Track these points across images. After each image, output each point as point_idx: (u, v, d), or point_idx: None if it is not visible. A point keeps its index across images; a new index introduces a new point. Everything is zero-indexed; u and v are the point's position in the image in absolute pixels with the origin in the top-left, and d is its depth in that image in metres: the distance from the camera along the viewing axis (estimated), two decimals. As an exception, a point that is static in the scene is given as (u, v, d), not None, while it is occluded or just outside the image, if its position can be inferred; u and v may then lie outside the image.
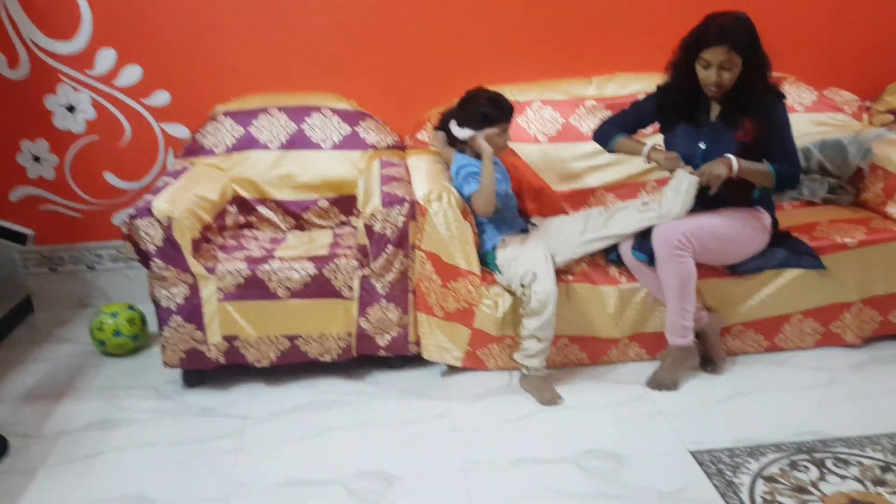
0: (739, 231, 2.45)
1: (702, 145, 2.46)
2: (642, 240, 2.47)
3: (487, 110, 2.56)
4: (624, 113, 2.65)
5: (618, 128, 2.62)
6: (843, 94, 3.17)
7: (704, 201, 2.41)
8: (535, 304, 2.39)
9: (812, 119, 3.08)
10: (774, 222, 2.54)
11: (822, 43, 3.26)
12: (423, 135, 3.06)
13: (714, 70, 2.33)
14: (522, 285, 2.43)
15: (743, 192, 2.46)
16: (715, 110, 2.46)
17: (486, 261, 2.57)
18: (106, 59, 3.03)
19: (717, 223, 2.42)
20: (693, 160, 2.46)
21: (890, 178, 2.76)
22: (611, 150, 2.63)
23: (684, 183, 2.37)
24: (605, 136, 2.64)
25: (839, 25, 3.25)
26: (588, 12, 3.15)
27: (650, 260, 2.44)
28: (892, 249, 2.60)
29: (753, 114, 2.38)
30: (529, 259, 2.46)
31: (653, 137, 2.72)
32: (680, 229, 2.36)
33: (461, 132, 2.58)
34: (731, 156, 2.35)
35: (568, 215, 2.76)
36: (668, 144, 2.57)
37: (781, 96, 2.41)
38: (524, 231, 2.66)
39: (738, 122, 2.41)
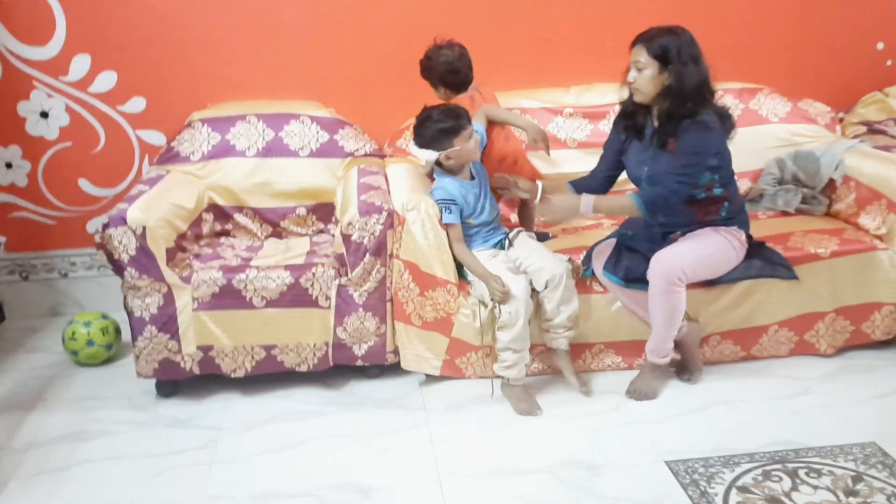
0: (723, 253, 2.45)
1: (645, 168, 2.46)
2: (616, 262, 2.48)
3: (444, 125, 2.43)
4: (600, 157, 2.64)
5: (591, 178, 2.61)
6: (816, 106, 3.21)
7: (672, 228, 2.46)
8: (506, 317, 2.39)
9: (786, 130, 3.12)
10: (749, 237, 2.54)
11: (797, 55, 3.30)
12: (403, 143, 3.05)
13: (632, 70, 2.36)
14: (493, 300, 2.42)
15: (706, 214, 2.45)
16: (650, 128, 2.45)
17: (462, 272, 2.57)
18: (80, 65, 3.00)
19: (706, 252, 2.41)
20: (640, 183, 2.49)
21: (861, 189, 2.80)
22: None
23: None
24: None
25: (814, 38, 3.30)
26: (567, 22, 3.17)
27: (624, 282, 2.46)
28: (863, 260, 2.63)
29: (673, 134, 2.34)
30: (497, 274, 2.44)
31: None
32: (679, 266, 2.35)
33: (428, 154, 2.48)
34: (586, 200, 2.37)
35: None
36: (626, 166, 2.56)
37: (704, 126, 2.30)
38: (499, 246, 2.59)
39: (666, 143, 2.37)
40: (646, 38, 2.33)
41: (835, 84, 3.32)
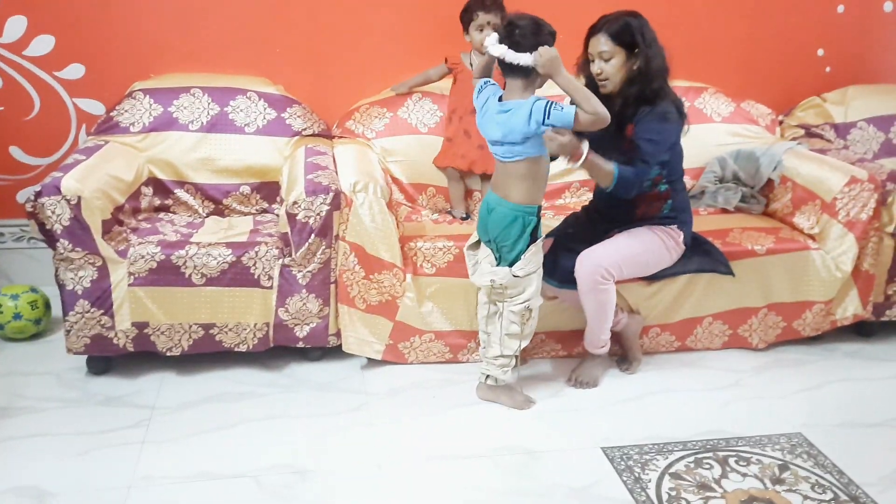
0: (655, 252, 2.46)
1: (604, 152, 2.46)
2: (553, 263, 2.43)
3: (552, 32, 2.15)
4: None
5: None
6: (758, 108, 3.30)
7: (612, 223, 2.47)
8: (529, 330, 2.34)
9: (728, 130, 3.20)
10: (692, 235, 2.56)
11: (742, 58, 3.38)
12: (352, 124, 3.02)
13: (596, 61, 2.32)
14: (529, 308, 2.31)
15: (648, 208, 2.46)
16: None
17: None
18: (16, 26, 2.86)
19: (635, 250, 2.43)
20: None
21: (798, 189, 2.89)
22: None
23: None
24: None
25: (759, 43, 3.38)
26: (523, 9, 3.16)
27: (558, 284, 2.47)
28: (797, 259, 2.71)
29: (630, 121, 2.31)
30: (538, 282, 2.32)
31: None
32: (602, 264, 2.36)
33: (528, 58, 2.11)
34: (585, 148, 2.20)
35: None
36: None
37: (662, 116, 2.30)
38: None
39: (625, 127, 2.34)
40: (604, 27, 2.29)
41: (776, 87, 3.42)
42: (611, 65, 2.30)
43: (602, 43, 2.30)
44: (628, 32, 2.28)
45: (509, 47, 2.12)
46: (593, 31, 2.33)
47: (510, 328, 2.32)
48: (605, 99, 2.33)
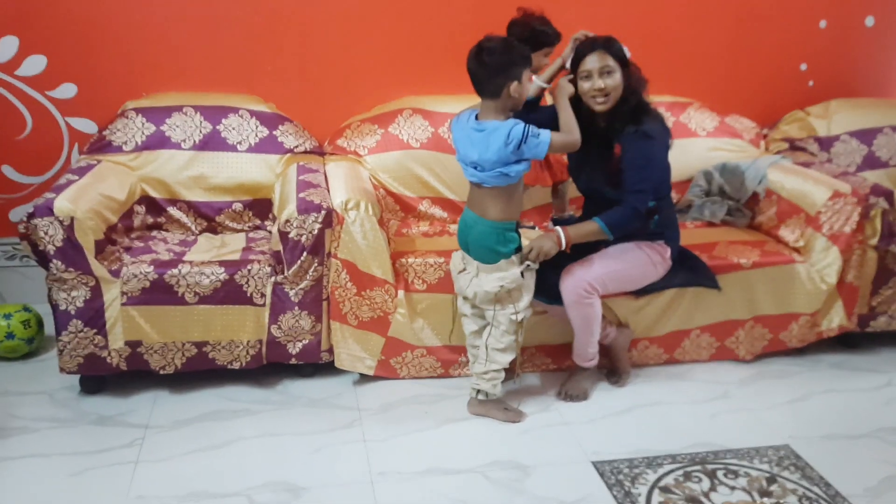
0: (640, 268, 2.49)
1: (586, 171, 2.51)
2: (542, 283, 2.44)
3: (523, 53, 2.22)
4: None
5: None
6: (743, 122, 3.35)
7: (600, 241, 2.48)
8: (517, 342, 2.37)
9: (713, 144, 3.24)
10: (679, 248, 2.60)
11: (726, 73, 3.44)
12: (343, 141, 3.04)
13: (596, 77, 2.35)
14: (521, 321, 2.34)
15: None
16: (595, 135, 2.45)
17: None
18: (8, 47, 2.88)
19: (620, 265, 2.46)
20: (580, 181, 2.58)
21: (782, 203, 2.94)
22: None
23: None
24: None
25: (743, 57, 3.43)
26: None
27: (547, 300, 2.50)
28: (782, 272, 2.76)
29: (617, 140, 2.37)
30: (531, 294, 2.36)
31: None
32: (585, 279, 2.39)
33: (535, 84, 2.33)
34: (559, 229, 2.33)
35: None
36: (572, 172, 2.62)
37: (646, 135, 2.35)
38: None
39: (612, 144, 2.39)
40: (604, 45, 2.35)
41: (760, 101, 3.47)
42: (613, 79, 2.35)
43: (606, 59, 2.34)
44: (622, 50, 2.37)
45: (478, 68, 2.18)
46: (591, 48, 2.36)
47: (502, 338, 2.35)
48: (592, 117, 2.40)
